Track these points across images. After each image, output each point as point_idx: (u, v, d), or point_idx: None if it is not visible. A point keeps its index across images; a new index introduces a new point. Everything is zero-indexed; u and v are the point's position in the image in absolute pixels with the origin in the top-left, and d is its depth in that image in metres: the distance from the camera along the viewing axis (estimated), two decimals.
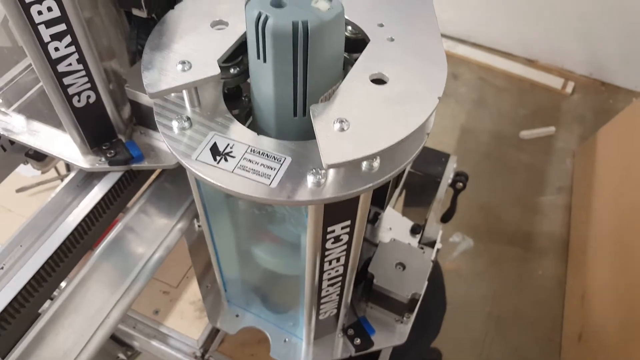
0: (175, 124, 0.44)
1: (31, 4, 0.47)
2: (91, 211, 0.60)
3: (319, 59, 0.41)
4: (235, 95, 0.53)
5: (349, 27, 0.50)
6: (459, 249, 1.81)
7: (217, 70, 0.43)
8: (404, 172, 0.95)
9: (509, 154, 2.03)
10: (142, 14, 0.59)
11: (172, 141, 0.43)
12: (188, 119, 0.44)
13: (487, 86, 2.25)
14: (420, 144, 0.44)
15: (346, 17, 0.49)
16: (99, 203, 0.61)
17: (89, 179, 0.63)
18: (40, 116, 0.65)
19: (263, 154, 0.42)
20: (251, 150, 0.42)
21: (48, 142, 0.62)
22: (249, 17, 0.40)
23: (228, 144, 0.43)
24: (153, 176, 0.69)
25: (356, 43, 0.50)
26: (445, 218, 1.09)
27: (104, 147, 0.61)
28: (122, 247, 0.63)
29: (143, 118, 0.63)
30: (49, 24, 0.49)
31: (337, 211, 0.47)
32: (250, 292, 0.73)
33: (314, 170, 0.41)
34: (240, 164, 0.42)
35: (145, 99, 0.59)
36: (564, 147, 2.06)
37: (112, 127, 0.61)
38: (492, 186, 1.94)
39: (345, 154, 0.38)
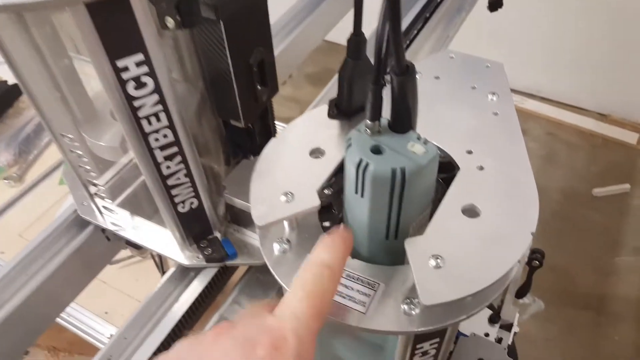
0: (276, 247, 0.48)
1: (150, 133, 0.52)
2: (192, 304, 0.65)
3: (413, 195, 0.44)
4: (326, 208, 0.56)
5: None
6: (529, 312, 1.75)
7: (317, 202, 0.47)
8: None
9: (581, 213, 1.97)
10: (239, 124, 0.64)
11: (274, 264, 0.47)
12: (288, 241, 0.48)
13: (557, 142, 2.21)
14: (512, 274, 0.46)
15: (435, 142, 0.52)
16: (199, 296, 0.65)
17: (186, 271, 0.68)
18: (140, 210, 0.71)
19: (358, 279, 0.45)
20: (347, 276, 0.45)
21: (150, 238, 0.68)
22: (349, 161, 0.43)
23: None
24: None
25: (442, 165, 0.52)
26: (520, 294, 1.07)
27: (201, 245, 0.66)
28: None
29: (236, 217, 0.68)
30: (163, 147, 0.54)
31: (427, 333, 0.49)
32: None
33: (407, 301, 0.43)
34: (338, 289, 0.45)
35: (240, 203, 0.64)
36: None
37: (209, 225, 0.66)
38: (563, 246, 1.88)
39: (442, 294, 0.40)
